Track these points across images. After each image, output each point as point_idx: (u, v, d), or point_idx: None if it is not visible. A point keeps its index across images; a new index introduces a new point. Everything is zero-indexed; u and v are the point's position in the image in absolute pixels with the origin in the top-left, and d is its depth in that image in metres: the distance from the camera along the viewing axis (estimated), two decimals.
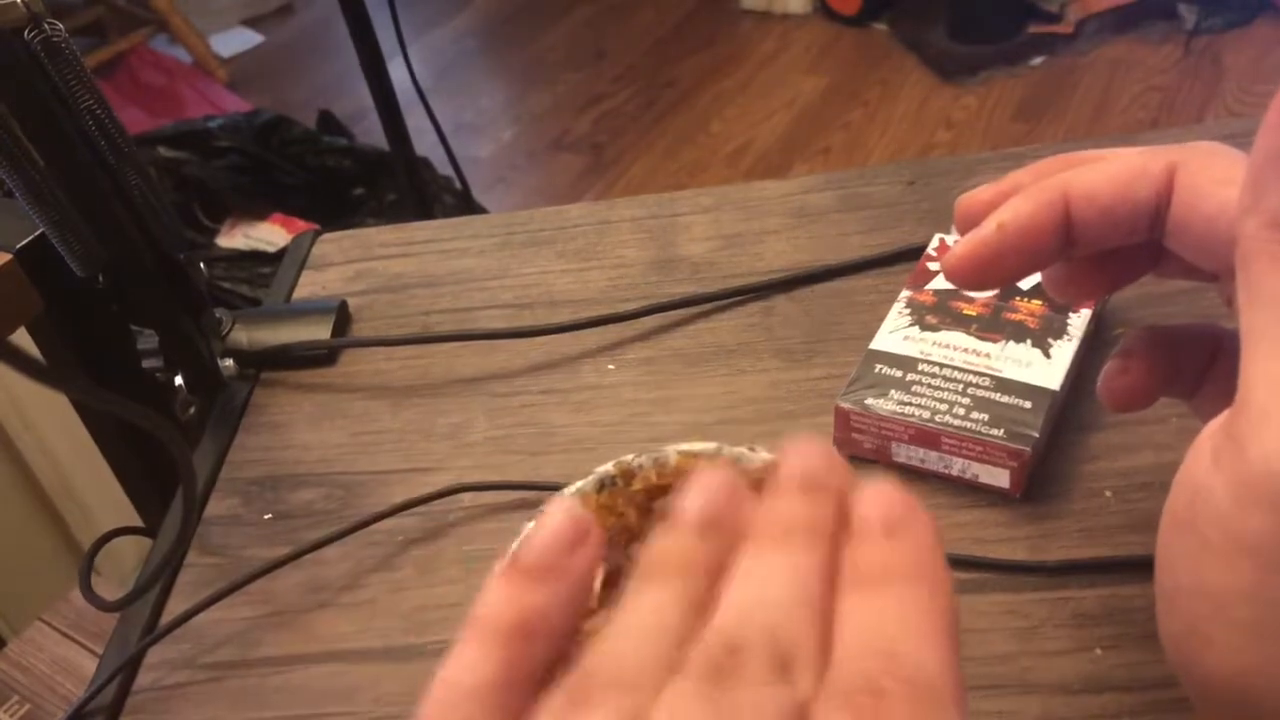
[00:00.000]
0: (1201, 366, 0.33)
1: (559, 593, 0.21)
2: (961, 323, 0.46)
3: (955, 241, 0.33)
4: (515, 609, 0.21)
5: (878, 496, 0.22)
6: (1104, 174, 0.30)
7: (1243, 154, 0.26)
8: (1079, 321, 0.45)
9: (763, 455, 0.27)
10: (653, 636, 0.20)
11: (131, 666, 0.44)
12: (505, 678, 0.20)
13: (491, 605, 0.21)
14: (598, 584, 0.24)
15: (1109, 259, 0.33)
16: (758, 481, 0.26)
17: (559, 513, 0.22)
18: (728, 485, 0.22)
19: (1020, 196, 0.31)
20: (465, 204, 1.70)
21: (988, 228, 0.31)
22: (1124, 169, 0.30)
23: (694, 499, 0.22)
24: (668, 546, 0.21)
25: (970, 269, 0.32)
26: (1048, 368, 0.43)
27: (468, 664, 0.20)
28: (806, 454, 0.22)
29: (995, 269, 0.32)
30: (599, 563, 0.22)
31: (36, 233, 0.62)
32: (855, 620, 0.20)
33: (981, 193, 0.33)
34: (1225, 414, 0.24)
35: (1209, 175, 0.29)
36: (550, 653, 0.21)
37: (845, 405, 0.44)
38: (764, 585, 0.20)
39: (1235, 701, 0.23)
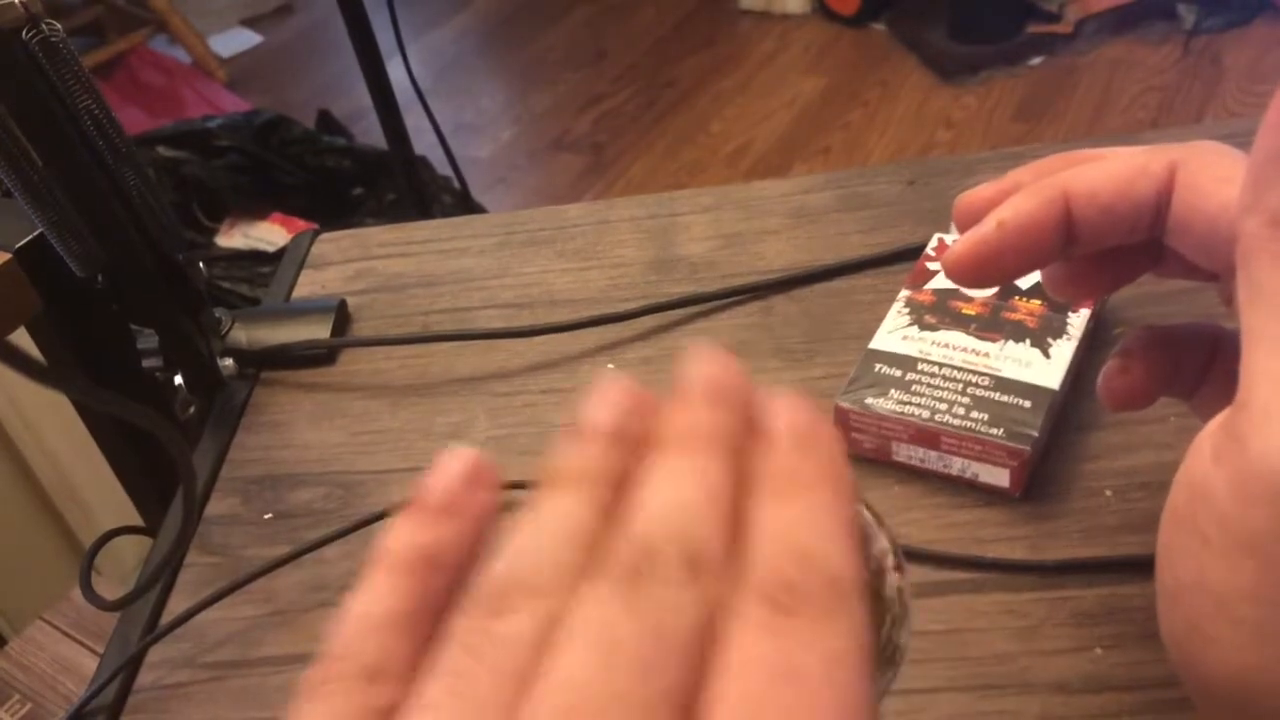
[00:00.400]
0: (1201, 366, 0.33)
1: (460, 529, 0.21)
2: (961, 322, 0.46)
3: (955, 239, 0.33)
4: (419, 543, 0.21)
5: (786, 407, 0.22)
6: (1105, 172, 0.30)
7: (1243, 153, 0.26)
8: (1078, 321, 0.45)
9: None
10: (564, 541, 0.20)
11: (132, 666, 0.44)
12: (413, 606, 0.20)
13: (397, 540, 0.21)
14: None
15: (1109, 258, 0.33)
16: None
17: (456, 456, 0.22)
18: (632, 395, 0.22)
19: (1021, 194, 0.31)
20: (464, 204, 1.70)
21: (988, 225, 0.31)
22: (1125, 167, 0.30)
23: (599, 410, 0.22)
24: (575, 457, 0.22)
25: (970, 266, 0.32)
26: (1047, 367, 0.43)
27: (376, 596, 0.21)
28: (710, 364, 0.23)
29: (995, 267, 0.32)
30: (497, 503, 0.22)
31: (36, 233, 0.62)
32: (768, 525, 0.20)
33: (982, 191, 0.33)
34: (1226, 412, 0.24)
35: (1210, 174, 0.29)
36: (454, 586, 0.21)
37: (845, 405, 0.44)
38: (673, 490, 0.20)
39: (1237, 700, 0.23)
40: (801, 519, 0.20)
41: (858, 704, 0.17)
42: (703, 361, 0.23)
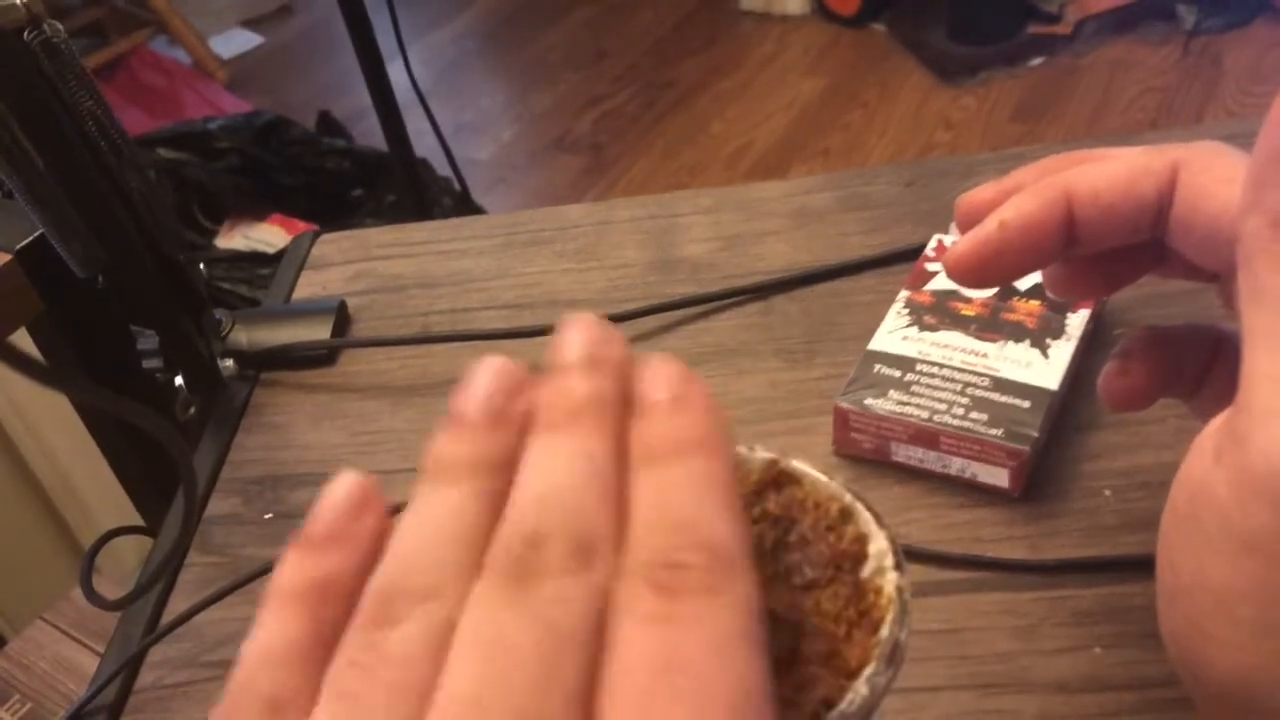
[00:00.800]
0: (1201, 367, 0.33)
1: (348, 557, 0.21)
2: (960, 323, 0.46)
3: (956, 240, 0.33)
4: (309, 575, 0.21)
5: (660, 371, 0.21)
6: (1107, 172, 0.30)
7: (1245, 154, 0.26)
8: (1077, 321, 0.45)
9: (762, 455, 0.27)
10: (448, 537, 0.20)
11: (133, 665, 0.45)
12: (308, 636, 0.20)
13: (287, 575, 0.21)
14: None
15: (1110, 258, 0.33)
16: (758, 482, 0.26)
17: (340, 484, 0.22)
18: (507, 374, 0.22)
19: (1023, 194, 0.31)
20: (464, 205, 1.71)
21: (990, 225, 0.32)
22: (1127, 167, 0.30)
23: (473, 393, 0.21)
24: (453, 444, 0.21)
25: (972, 266, 0.32)
26: (1046, 367, 0.43)
27: (271, 632, 0.20)
28: (583, 331, 0.22)
29: (997, 266, 0.32)
30: (387, 525, 0.21)
31: (36, 233, 0.62)
32: (648, 496, 0.19)
33: (983, 191, 0.33)
34: (1227, 412, 0.24)
35: (1212, 174, 0.29)
36: (347, 615, 0.20)
37: (844, 405, 0.44)
38: (555, 472, 0.20)
39: (1237, 699, 0.23)
40: (681, 488, 0.19)
41: (749, 685, 0.17)
42: (577, 329, 0.22)
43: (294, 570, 0.21)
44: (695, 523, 0.19)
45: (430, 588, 0.19)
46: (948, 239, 0.51)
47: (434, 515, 0.20)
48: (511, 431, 0.21)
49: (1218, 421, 0.24)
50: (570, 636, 0.17)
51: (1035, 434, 0.41)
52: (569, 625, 0.18)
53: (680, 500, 0.19)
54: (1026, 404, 0.42)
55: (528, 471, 0.20)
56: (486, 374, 0.22)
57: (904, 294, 0.48)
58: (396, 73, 1.34)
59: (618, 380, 0.21)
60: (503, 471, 0.20)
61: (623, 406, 0.21)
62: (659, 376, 0.21)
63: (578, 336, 0.22)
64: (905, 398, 0.43)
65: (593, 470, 0.20)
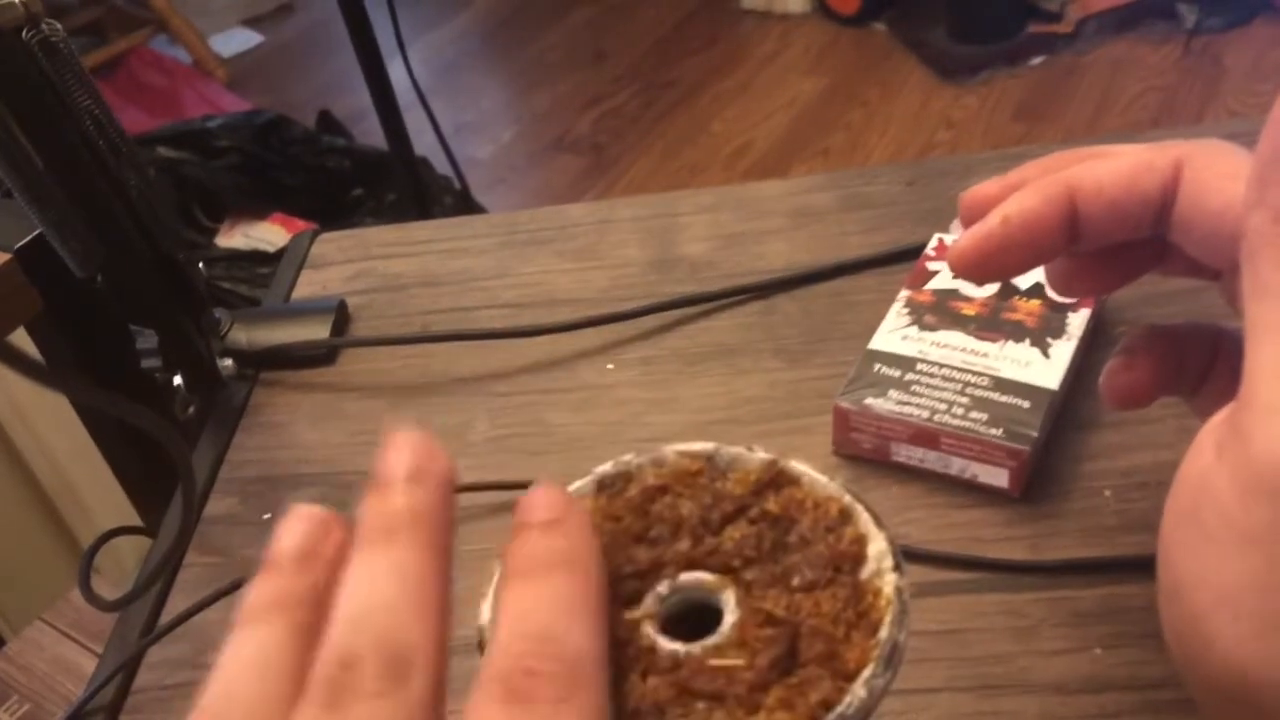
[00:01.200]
0: (1203, 365, 0.33)
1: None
2: (960, 322, 0.46)
3: (958, 236, 0.33)
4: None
5: (538, 495, 0.22)
6: (1110, 169, 0.30)
7: (1248, 151, 0.26)
8: (1078, 321, 0.45)
9: (761, 455, 0.27)
10: (260, 672, 0.20)
11: (131, 666, 0.44)
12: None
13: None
14: None
15: (1112, 255, 0.33)
16: (757, 482, 0.26)
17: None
18: (315, 519, 0.23)
19: (1026, 190, 0.31)
20: (465, 204, 1.70)
21: (993, 220, 0.32)
22: (1130, 164, 0.30)
23: (284, 539, 0.22)
24: (262, 587, 0.22)
25: (975, 261, 0.32)
26: (1046, 367, 0.43)
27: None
28: (405, 446, 0.23)
29: (1000, 262, 0.32)
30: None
31: (36, 233, 0.62)
32: (512, 608, 0.20)
33: (987, 186, 0.33)
34: (1229, 407, 0.24)
35: (1215, 171, 0.29)
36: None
37: (844, 405, 0.44)
38: (369, 591, 0.20)
39: (1239, 696, 0.23)
40: (544, 601, 0.20)
41: None
42: (399, 446, 0.22)
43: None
44: (553, 634, 0.20)
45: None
46: (948, 238, 0.51)
47: (246, 653, 0.21)
48: (322, 568, 0.22)
49: (1219, 417, 0.24)
50: None
51: (1035, 434, 0.41)
52: None
53: (541, 613, 0.20)
54: (1027, 404, 0.42)
55: (343, 593, 0.20)
56: (294, 522, 0.23)
57: (904, 293, 0.48)
58: (396, 72, 1.34)
59: (439, 493, 0.22)
60: (316, 606, 0.21)
61: (445, 520, 0.22)
62: (537, 499, 0.22)
63: (400, 452, 0.22)
64: (905, 397, 0.43)
65: (406, 585, 0.20)
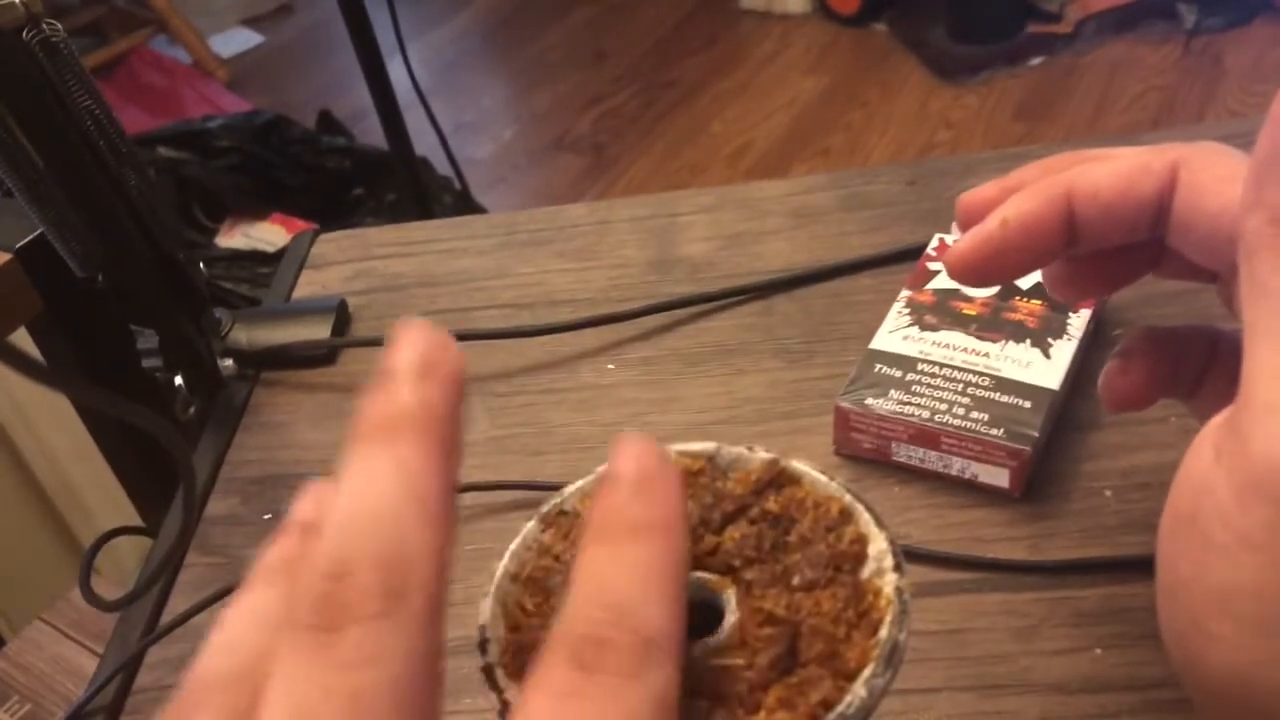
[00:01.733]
0: (1201, 367, 0.33)
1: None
2: (961, 322, 0.46)
3: (957, 239, 0.33)
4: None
5: (632, 449, 0.21)
6: (1107, 172, 0.30)
7: (1245, 154, 0.26)
8: (1079, 321, 0.45)
9: (762, 455, 0.27)
10: (254, 629, 0.19)
11: (132, 666, 0.44)
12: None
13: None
14: None
15: (1110, 258, 0.33)
16: (758, 481, 0.26)
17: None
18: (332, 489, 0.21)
19: (1024, 193, 0.31)
20: (465, 204, 1.70)
21: (991, 223, 0.32)
22: (1127, 166, 0.30)
23: (294, 511, 0.21)
24: (264, 557, 0.20)
25: (973, 264, 0.32)
26: (1047, 367, 0.43)
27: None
28: (414, 339, 0.20)
29: (998, 265, 0.32)
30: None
31: (36, 233, 0.62)
32: (590, 572, 0.19)
33: (985, 189, 0.33)
34: (1227, 409, 0.24)
35: (1212, 173, 0.29)
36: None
37: (845, 405, 0.44)
38: (368, 491, 0.18)
39: (1237, 698, 0.23)
40: (626, 569, 0.19)
41: None
42: (408, 338, 0.20)
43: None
44: (630, 606, 0.18)
45: (223, 680, 0.18)
46: (949, 238, 0.51)
47: (238, 613, 0.19)
48: None
49: (1218, 419, 0.24)
50: (385, 705, 0.16)
51: (1036, 434, 0.41)
52: (379, 693, 0.16)
53: (620, 582, 0.19)
54: (1027, 404, 0.42)
55: (338, 493, 0.19)
56: (309, 492, 0.22)
57: (905, 293, 0.48)
58: (396, 71, 1.34)
59: (450, 390, 0.20)
60: None
61: (455, 420, 0.20)
62: (630, 453, 0.20)
63: (408, 345, 0.20)
64: (906, 397, 0.43)
65: (410, 487, 0.18)
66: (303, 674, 0.16)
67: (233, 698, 0.18)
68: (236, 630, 0.19)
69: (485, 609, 0.24)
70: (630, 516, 0.20)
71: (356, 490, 0.18)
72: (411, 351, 0.20)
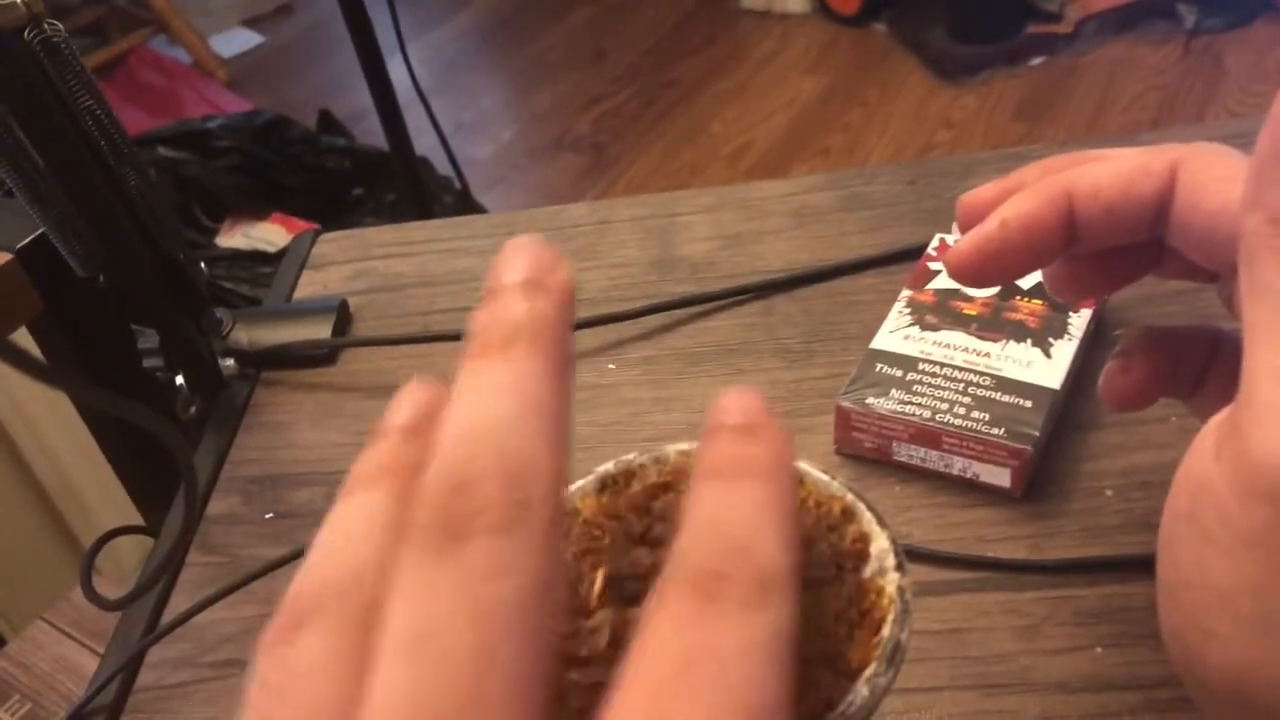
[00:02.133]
0: (1201, 367, 0.33)
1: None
2: (962, 322, 0.46)
3: (957, 239, 0.33)
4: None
5: (736, 398, 0.21)
6: (1108, 171, 0.31)
7: (1245, 154, 0.26)
8: (1079, 321, 0.45)
9: None
10: (363, 534, 0.18)
11: (133, 666, 0.44)
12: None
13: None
14: (597, 586, 0.24)
15: (1110, 258, 0.33)
16: None
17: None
18: (429, 393, 0.20)
19: (1024, 193, 0.31)
20: (465, 204, 1.70)
21: (991, 224, 0.32)
22: (1127, 167, 0.30)
23: (395, 409, 0.20)
24: (369, 456, 0.20)
25: (973, 265, 0.32)
26: (1048, 367, 0.43)
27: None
28: (524, 252, 0.20)
29: (998, 265, 0.32)
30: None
31: (37, 232, 0.62)
32: (705, 509, 0.19)
33: (985, 190, 0.33)
34: (1228, 408, 0.24)
35: (1212, 173, 0.29)
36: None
37: (846, 404, 0.44)
38: (487, 403, 0.18)
39: (1237, 697, 0.23)
40: (743, 508, 0.18)
41: (768, 700, 0.16)
42: (518, 251, 0.20)
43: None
44: (749, 542, 0.18)
45: (345, 583, 0.17)
46: (949, 238, 0.51)
47: (344, 518, 0.19)
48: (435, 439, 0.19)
49: (1219, 418, 0.24)
50: (511, 619, 0.16)
51: (1037, 433, 0.41)
52: (506, 606, 0.16)
53: (737, 519, 0.18)
54: (1028, 403, 0.42)
55: (453, 406, 0.18)
56: (406, 396, 0.21)
57: (906, 293, 0.48)
58: (396, 71, 1.34)
59: (560, 305, 0.19)
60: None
61: (567, 335, 0.19)
62: (735, 403, 0.20)
63: (518, 258, 0.20)
64: (907, 397, 0.43)
65: (526, 402, 0.18)
66: (428, 585, 0.16)
67: (351, 604, 0.17)
68: (347, 531, 0.18)
69: None
70: (741, 456, 0.19)
71: (474, 401, 0.18)
72: (520, 265, 0.20)
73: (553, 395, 0.18)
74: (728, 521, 0.18)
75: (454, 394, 0.18)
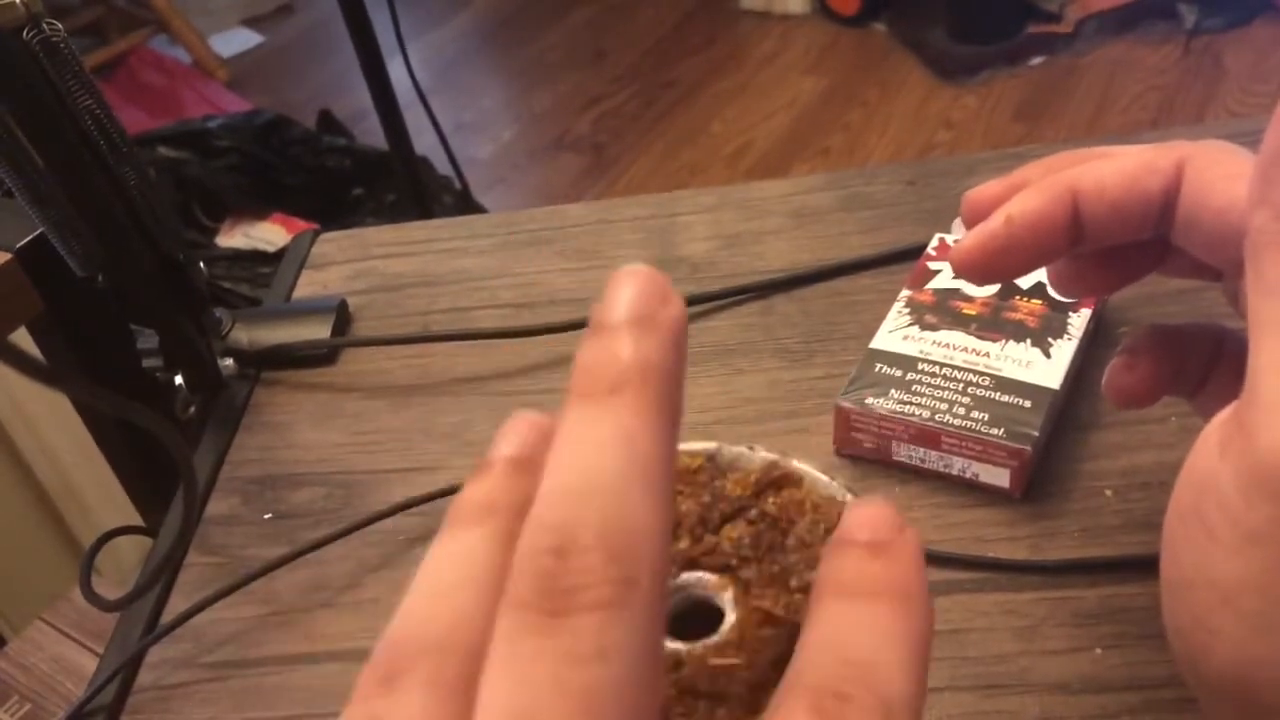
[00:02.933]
0: (1205, 365, 0.33)
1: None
2: (961, 322, 0.46)
3: (960, 237, 0.33)
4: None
5: (866, 513, 0.19)
6: (1113, 169, 0.30)
7: (1251, 152, 0.26)
8: (1079, 321, 0.45)
9: (763, 455, 0.27)
10: (461, 583, 0.17)
11: (132, 666, 0.44)
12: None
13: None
14: None
15: (1115, 256, 0.33)
16: (757, 482, 0.26)
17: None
18: (540, 425, 0.20)
19: (1029, 190, 0.31)
20: (465, 204, 1.70)
21: (996, 221, 0.32)
22: (1133, 164, 0.30)
23: (501, 444, 0.19)
24: (473, 489, 0.19)
25: (978, 262, 0.32)
26: (1048, 367, 0.43)
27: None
28: (635, 284, 0.18)
29: (1002, 262, 0.32)
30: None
31: (36, 232, 0.62)
32: (829, 627, 0.18)
33: (990, 187, 0.33)
34: (1233, 406, 0.24)
35: (1218, 170, 0.29)
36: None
37: (845, 404, 0.44)
38: (593, 456, 0.17)
39: (1241, 695, 0.23)
40: (870, 630, 0.17)
41: None
42: (628, 282, 0.19)
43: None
44: (874, 667, 0.17)
45: (443, 640, 0.17)
46: (949, 238, 0.51)
47: (445, 560, 0.18)
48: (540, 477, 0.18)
49: (1223, 415, 0.24)
50: (607, 703, 0.15)
51: (1036, 434, 0.41)
52: (611, 691, 0.15)
53: (865, 639, 0.17)
54: (1028, 403, 0.42)
55: (556, 452, 0.17)
56: (516, 425, 0.20)
57: (905, 293, 0.48)
58: (396, 71, 1.34)
59: (670, 346, 0.18)
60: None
61: (678, 378, 0.18)
62: (864, 518, 0.19)
63: (628, 291, 0.18)
64: (906, 397, 0.43)
65: (634, 457, 0.17)
66: (528, 661, 0.15)
67: (448, 666, 0.16)
68: (445, 581, 0.17)
69: None
70: (872, 575, 0.18)
71: (578, 454, 0.17)
72: (628, 297, 0.18)
73: (658, 450, 0.17)
74: (853, 644, 0.17)
75: (558, 437, 0.17)
